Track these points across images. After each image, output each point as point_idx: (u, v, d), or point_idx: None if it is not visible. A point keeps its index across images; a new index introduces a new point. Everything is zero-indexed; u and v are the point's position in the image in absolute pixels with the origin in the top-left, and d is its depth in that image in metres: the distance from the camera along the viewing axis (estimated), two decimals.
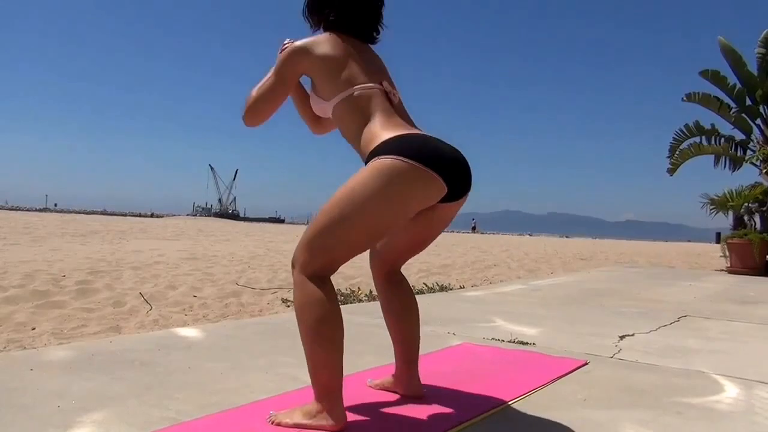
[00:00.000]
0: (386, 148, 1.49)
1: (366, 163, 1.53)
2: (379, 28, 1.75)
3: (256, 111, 1.69)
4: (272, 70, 1.69)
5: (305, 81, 1.77)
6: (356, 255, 1.54)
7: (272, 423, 1.53)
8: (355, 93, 1.59)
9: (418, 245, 1.76)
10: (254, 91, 1.69)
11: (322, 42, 1.64)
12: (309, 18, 1.76)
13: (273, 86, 1.68)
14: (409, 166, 1.45)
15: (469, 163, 1.62)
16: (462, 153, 1.60)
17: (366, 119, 1.58)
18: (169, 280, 6.11)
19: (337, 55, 1.62)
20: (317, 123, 1.85)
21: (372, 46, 1.76)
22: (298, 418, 1.51)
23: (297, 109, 1.85)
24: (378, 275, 1.81)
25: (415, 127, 1.64)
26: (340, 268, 1.56)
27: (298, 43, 1.65)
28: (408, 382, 1.80)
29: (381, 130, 1.55)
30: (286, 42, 1.72)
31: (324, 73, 1.63)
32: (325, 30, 1.70)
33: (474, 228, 58.46)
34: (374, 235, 1.52)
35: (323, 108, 1.67)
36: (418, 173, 1.46)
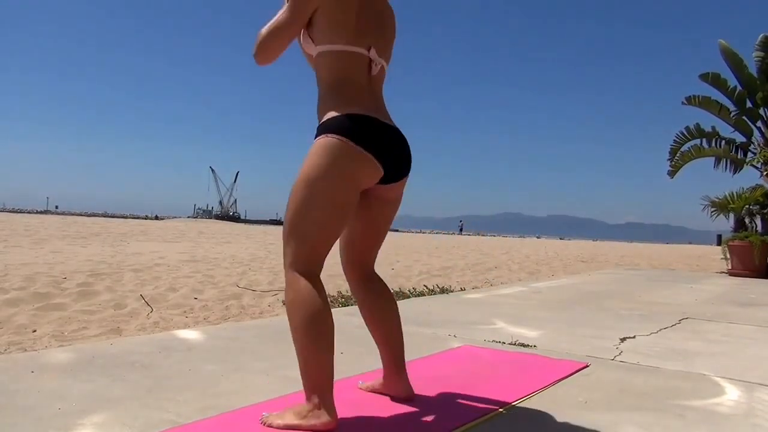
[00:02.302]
0: (331, 125, 1.57)
1: (316, 132, 1.61)
2: None
3: (268, 46, 1.68)
4: (285, 7, 1.67)
5: None
6: (331, 238, 1.57)
7: (264, 424, 1.54)
8: (339, 50, 1.62)
9: (374, 233, 1.77)
10: (265, 29, 1.67)
11: None
12: None
13: (286, 20, 1.65)
14: (346, 145, 1.54)
15: (408, 146, 1.70)
16: (403, 136, 1.68)
17: (335, 83, 1.64)
18: (170, 282, 6.11)
19: (346, 3, 1.62)
20: None
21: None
22: (289, 418, 1.51)
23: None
24: (352, 278, 1.81)
25: (375, 106, 1.66)
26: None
27: None
28: (396, 383, 1.80)
29: (336, 104, 1.61)
30: None
31: (327, 16, 1.62)
32: None
33: (461, 229, 59.79)
34: (336, 211, 1.56)
35: (308, 48, 1.69)
36: (354, 152, 1.54)
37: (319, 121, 1.64)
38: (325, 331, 1.48)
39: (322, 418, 1.47)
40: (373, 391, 1.86)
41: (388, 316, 1.78)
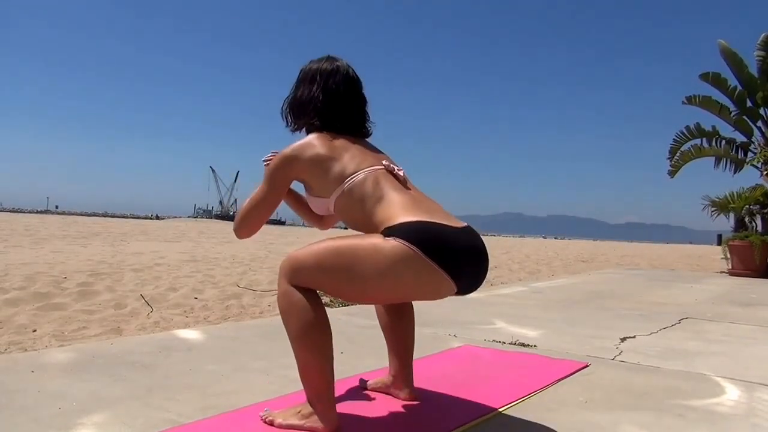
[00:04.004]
0: (404, 230, 1.39)
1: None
2: (367, 125, 1.72)
3: (248, 221, 1.65)
4: (263, 180, 1.64)
5: (296, 186, 1.73)
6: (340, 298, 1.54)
7: (265, 420, 1.55)
8: (358, 179, 1.52)
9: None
10: (246, 203, 1.66)
11: (311, 144, 1.58)
12: (290, 121, 1.72)
13: (265, 195, 1.62)
14: (425, 263, 1.36)
15: (487, 255, 1.51)
16: (484, 245, 1.50)
17: (376, 202, 1.49)
18: (170, 282, 6.11)
19: (328, 153, 1.56)
20: (320, 220, 1.82)
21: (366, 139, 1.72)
22: (291, 418, 1.52)
23: (296, 212, 1.82)
24: None
25: (435, 207, 1.54)
26: None
27: (286, 150, 1.60)
28: (402, 383, 1.80)
29: (399, 211, 1.45)
30: (269, 155, 1.68)
31: (317, 174, 1.57)
32: (308, 132, 1.66)
33: None
34: (363, 298, 1.53)
35: (324, 205, 1.61)
36: (431, 273, 1.38)
37: (378, 229, 1.45)
38: (323, 341, 1.46)
39: (323, 422, 1.47)
40: (375, 390, 1.87)
41: (404, 314, 1.78)
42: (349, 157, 1.56)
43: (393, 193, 1.51)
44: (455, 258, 1.40)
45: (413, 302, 1.80)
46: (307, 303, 1.45)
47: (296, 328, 1.45)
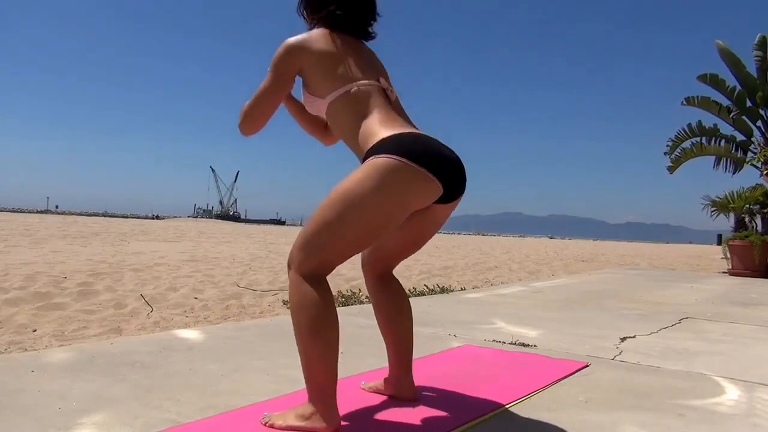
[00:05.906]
0: (384, 146, 1.48)
1: (363, 161, 1.52)
2: (373, 23, 1.74)
3: (252, 116, 1.66)
4: (267, 74, 1.66)
5: (297, 94, 1.75)
6: (352, 255, 1.52)
7: (266, 424, 1.53)
8: (353, 90, 1.57)
9: (411, 246, 1.74)
10: (249, 100, 1.66)
11: (318, 38, 1.62)
12: (307, 14, 1.73)
13: (268, 87, 1.63)
14: (406, 165, 1.44)
15: (464, 165, 1.61)
16: (457, 155, 1.59)
17: (363, 116, 1.57)
18: (170, 282, 6.11)
19: (334, 51, 1.60)
20: (325, 134, 1.83)
21: (368, 44, 1.76)
22: (291, 420, 1.50)
23: (300, 124, 1.83)
24: (370, 276, 1.79)
25: (413, 126, 1.63)
26: (338, 268, 1.55)
27: (292, 39, 1.62)
28: (402, 385, 1.79)
29: (379, 128, 1.54)
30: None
31: (320, 70, 1.60)
32: (324, 26, 1.67)
33: None
34: (370, 234, 1.50)
35: (317, 106, 1.64)
36: (414, 173, 1.45)
37: (362, 148, 1.55)
38: (330, 336, 1.45)
39: (324, 422, 1.46)
40: (377, 391, 1.86)
41: (401, 315, 1.76)
42: (351, 64, 1.61)
43: (379, 112, 1.58)
44: (434, 158, 1.49)
45: (411, 307, 1.79)
46: (318, 297, 1.44)
47: (305, 322, 1.44)
